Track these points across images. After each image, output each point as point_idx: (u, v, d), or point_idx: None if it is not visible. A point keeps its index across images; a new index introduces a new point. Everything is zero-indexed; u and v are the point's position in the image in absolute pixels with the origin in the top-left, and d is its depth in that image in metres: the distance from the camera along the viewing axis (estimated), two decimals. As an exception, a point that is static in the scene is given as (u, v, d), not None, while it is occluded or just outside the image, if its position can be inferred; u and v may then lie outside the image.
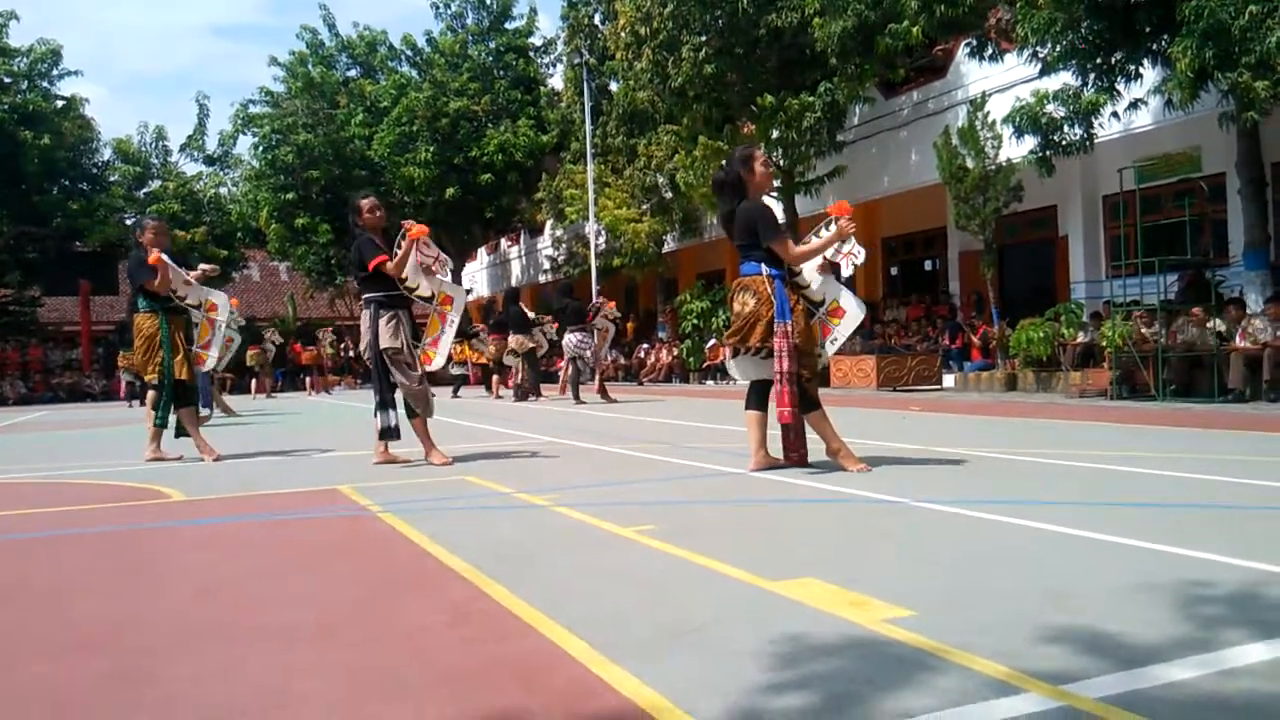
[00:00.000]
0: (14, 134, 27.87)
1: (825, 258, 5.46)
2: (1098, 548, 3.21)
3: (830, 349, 5.54)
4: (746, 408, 5.48)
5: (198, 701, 2.08)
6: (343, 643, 2.46)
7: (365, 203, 6.48)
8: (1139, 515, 3.84)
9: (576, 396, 14.24)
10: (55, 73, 30.94)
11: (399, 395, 6.43)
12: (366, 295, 6.43)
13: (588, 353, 14.38)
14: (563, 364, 15.42)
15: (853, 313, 5.48)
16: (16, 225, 30.65)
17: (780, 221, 5.44)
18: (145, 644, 2.52)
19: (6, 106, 28.25)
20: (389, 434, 6.35)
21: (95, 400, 26.51)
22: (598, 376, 14.61)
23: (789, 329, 5.08)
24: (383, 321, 6.29)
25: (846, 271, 5.76)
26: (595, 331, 14.51)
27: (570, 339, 14.41)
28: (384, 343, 6.26)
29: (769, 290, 5.14)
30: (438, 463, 6.21)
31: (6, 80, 29.60)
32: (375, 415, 6.36)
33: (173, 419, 7.28)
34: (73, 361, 30.75)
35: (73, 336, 32.57)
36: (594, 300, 15.55)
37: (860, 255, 5.59)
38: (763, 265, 5.20)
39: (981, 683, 1.96)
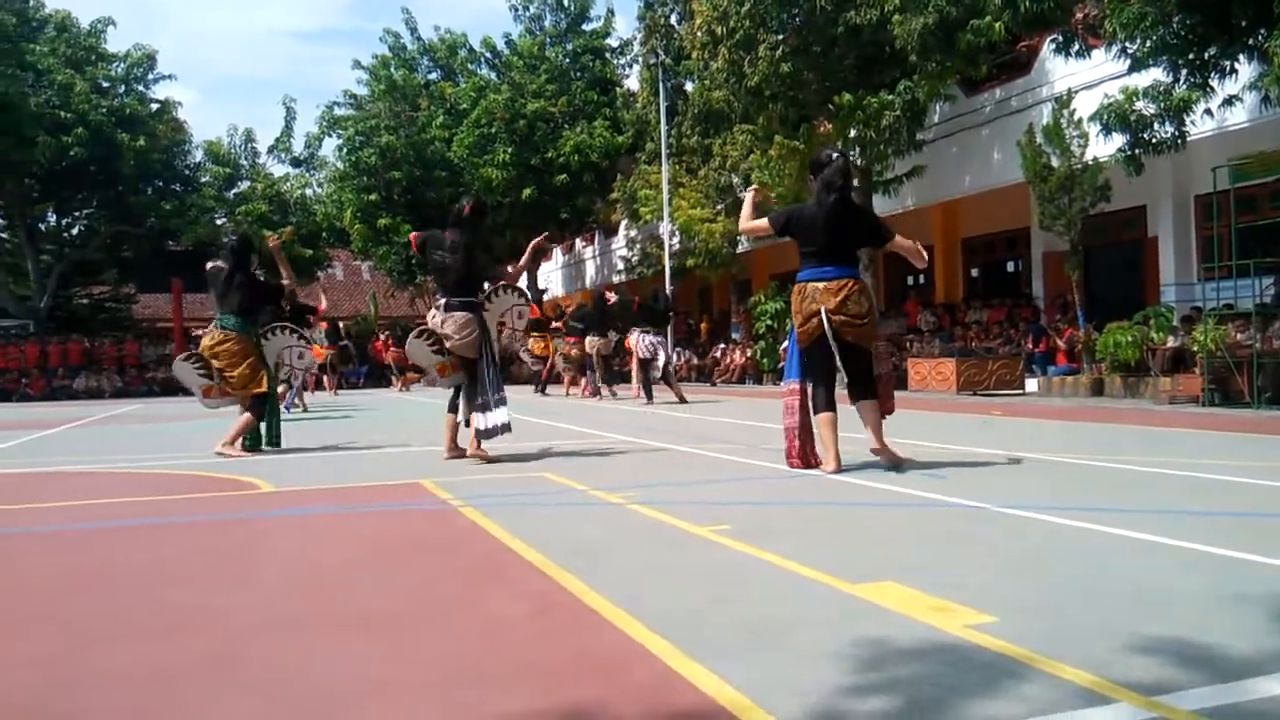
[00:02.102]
0: (111, 136, 28.96)
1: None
2: (1188, 556, 3.12)
3: None
4: (817, 411, 5.45)
5: (290, 683, 2.16)
6: (428, 632, 2.52)
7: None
8: (1232, 524, 3.72)
9: (649, 397, 14.26)
10: (150, 77, 32.11)
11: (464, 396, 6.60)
12: (471, 299, 6.49)
13: (660, 356, 14.37)
14: (633, 365, 15.43)
15: None
16: (113, 225, 31.87)
17: None
18: (237, 628, 2.61)
19: (105, 110, 29.37)
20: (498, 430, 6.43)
21: (187, 395, 27.40)
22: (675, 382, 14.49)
23: None
24: (493, 329, 6.56)
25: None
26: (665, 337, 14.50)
27: (645, 340, 14.42)
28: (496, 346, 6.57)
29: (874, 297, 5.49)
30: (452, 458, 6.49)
31: (104, 84, 30.78)
32: (481, 414, 6.40)
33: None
34: (166, 357, 31.78)
35: (166, 332, 33.68)
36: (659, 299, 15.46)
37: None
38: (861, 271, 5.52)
39: (1069, 691, 1.93)
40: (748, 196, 5.98)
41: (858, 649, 2.22)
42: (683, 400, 13.87)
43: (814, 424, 5.49)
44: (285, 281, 8.17)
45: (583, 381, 17.47)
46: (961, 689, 1.96)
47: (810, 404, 5.51)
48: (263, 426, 7.88)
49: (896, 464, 5.41)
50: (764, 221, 5.67)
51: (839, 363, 5.41)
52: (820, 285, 5.33)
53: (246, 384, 7.50)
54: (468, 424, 6.46)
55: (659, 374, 14.56)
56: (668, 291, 24.64)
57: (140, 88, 31.87)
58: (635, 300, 16.14)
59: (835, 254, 5.36)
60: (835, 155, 5.45)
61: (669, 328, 14.63)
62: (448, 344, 6.39)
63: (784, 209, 5.90)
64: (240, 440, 7.48)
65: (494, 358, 6.49)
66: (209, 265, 7.75)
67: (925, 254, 5.72)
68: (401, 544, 3.81)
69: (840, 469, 5.30)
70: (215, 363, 7.48)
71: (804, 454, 5.52)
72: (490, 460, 6.41)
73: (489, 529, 3.92)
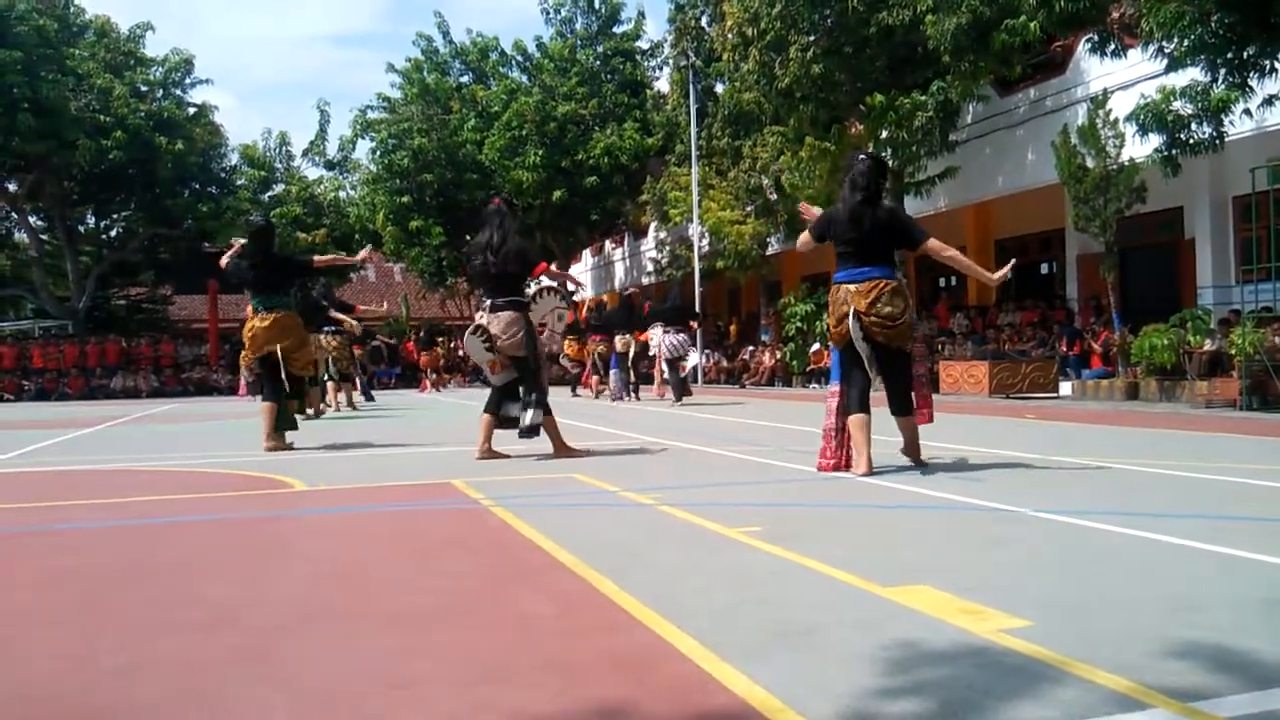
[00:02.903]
0: (150, 140, 29.38)
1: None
2: (1225, 562, 3.08)
3: None
4: (849, 412, 5.42)
5: (320, 677, 2.18)
6: (457, 630, 2.53)
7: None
8: (1270, 530, 3.66)
9: (678, 397, 14.22)
10: (187, 81, 32.57)
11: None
12: (517, 298, 6.63)
13: (688, 356, 14.31)
14: (658, 365, 15.40)
15: None
16: (151, 227, 32.33)
17: None
18: (269, 624, 2.64)
19: (143, 114, 29.80)
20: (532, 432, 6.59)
21: (221, 394, 27.72)
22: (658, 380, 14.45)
23: None
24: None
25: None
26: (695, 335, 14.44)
27: (670, 340, 14.38)
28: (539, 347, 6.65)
29: (911, 298, 5.38)
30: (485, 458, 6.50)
31: (143, 89, 31.24)
32: (528, 412, 6.59)
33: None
34: (201, 357, 32.21)
35: (201, 333, 34.12)
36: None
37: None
38: (897, 271, 5.39)
39: (1104, 696, 1.90)
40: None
41: (889, 651, 2.21)
42: (678, 399, 13.87)
43: (847, 424, 5.46)
44: (317, 259, 8.38)
45: (594, 380, 17.56)
46: (994, 692, 1.94)
47: (846, 405, 5.48)
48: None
49: (921, 464, 5.55)
50: (806, 234, 5.71)
51: (875, 369, 5.39)
52: (852, 287, 5.33)
53: (307, 366, 7.67)
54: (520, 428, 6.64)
55: (684, 373, 14.48)
56: (698, 291, 24.63)
57: (178, 92, 32.33)
58: (646, 305, 16.19)
59: (865, 254, 5.35)
60: (863, 156, 5.53)
61: (698, 328, 14.51)
62: (497, 343, 6.49)
63: (821, 214, 5.83)
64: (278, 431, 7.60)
65: (540, 358, 6.63)
66: (224, 260, 7.78)
67: (989, 273, 5.64)
68: (432, 543, 3.84)
69: (871, 472, 5.26)
70: (282, 342, 7.49)
71: (837, 456, 5.49)
72: (585, 453, 6.70)
73: (520, 529, 3.93)
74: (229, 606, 2.86)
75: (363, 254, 9.29)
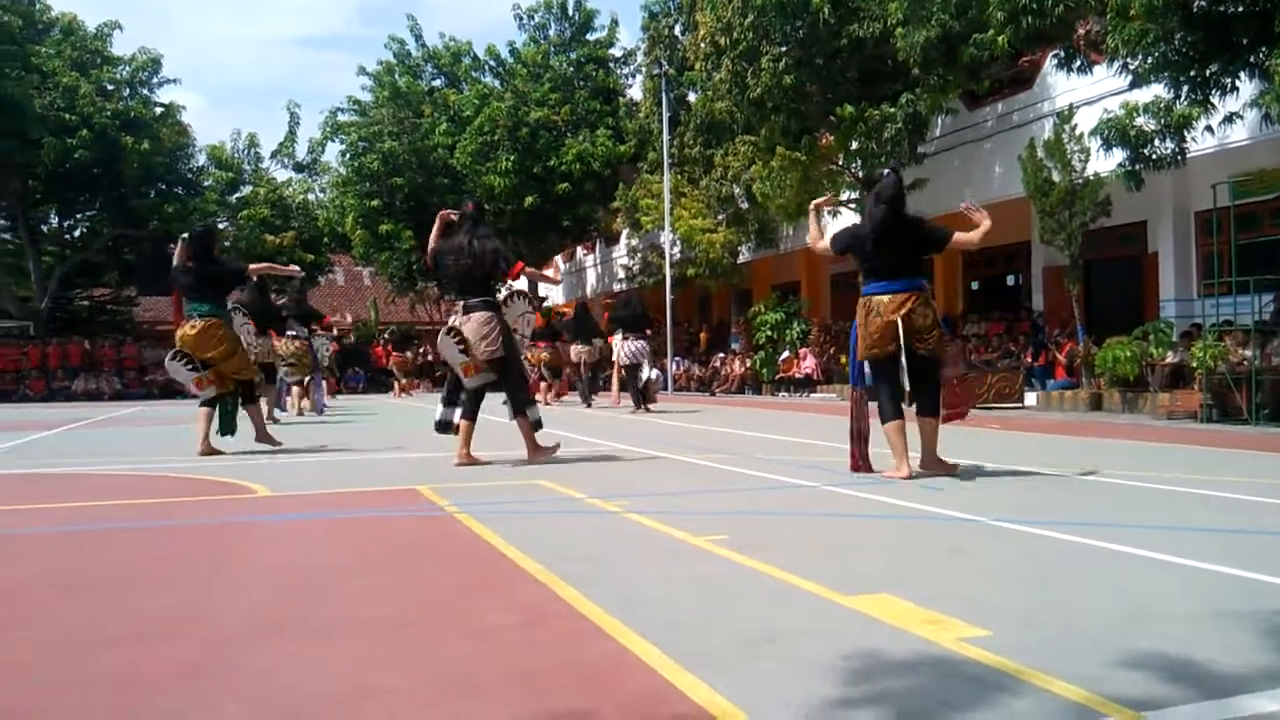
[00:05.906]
0: (116, 139, 28.98)
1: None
2: (1183, 573, 3.12)
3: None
4: (884, 420, 5.52)
5: (277, 692, 2.15)
6: (419, 640, 2.51)
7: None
8: (1227, 541, 3.72)
9: (637, 404, 14.16)
10: (155, 80, 32.14)
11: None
12: (489, 298, 6.62)
13: (644, 367, 14.20)
14: (613, 373, 15.40)
15: None
16: (115, 227, 31.87)
17: None
18: (226, 635, 2.61)
19: (109, 113, 29.39)
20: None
21: (185, 398, 27.34)
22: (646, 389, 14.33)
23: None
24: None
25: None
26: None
27: (628, 346, 14.32)
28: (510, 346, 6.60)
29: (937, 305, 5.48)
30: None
31: (109, 87, 30.80)
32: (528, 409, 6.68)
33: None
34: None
35: (166, 335, 33.52)
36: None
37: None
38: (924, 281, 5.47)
39: (1060, 706, 1.93)
40: (813, 215, 6.11)
41: (850, 661, 2.22)
42: (643, 409, 13.79)
43: (883, 432, 5.56)
44: (251, 266, 8.53)
45: (544, 386, 17.59)
46: (952, 702, 1.96)
47: (878, 412, 5.59)
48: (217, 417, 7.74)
49: (950, 472, 5.54)
50: (826, 242, 5.83)
51: (905, 377, 5.41)
52: (885, 299, 5.43)
53: (240, 370, 7.55)
54: (531, 431, 6.67)
55: (642, 381, 14.39)
56: (669, 298, 24.68)
57: (145, 91, 31.88)
58: (605, 314, 16.24)
59: (895, 267, 5.45)
60: (888, 171, 5.63)
61: (652, 334, 14.39)
62: (471, 345, 6.45)
63: (843, 229, 5.91)
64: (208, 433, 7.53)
65: (518, 356, 6.65)
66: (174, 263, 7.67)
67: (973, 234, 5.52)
68: (396, 550, 3.81)
69: (911, 475, 5.38)
70: (207, 352, 7.43)
71: (856, 458, 5.68)
72: (555, 449, 6.75)
73: (485, 536, 3.91)
74: (184, 617, 2.82)
75: (294, 268, 9.57)
